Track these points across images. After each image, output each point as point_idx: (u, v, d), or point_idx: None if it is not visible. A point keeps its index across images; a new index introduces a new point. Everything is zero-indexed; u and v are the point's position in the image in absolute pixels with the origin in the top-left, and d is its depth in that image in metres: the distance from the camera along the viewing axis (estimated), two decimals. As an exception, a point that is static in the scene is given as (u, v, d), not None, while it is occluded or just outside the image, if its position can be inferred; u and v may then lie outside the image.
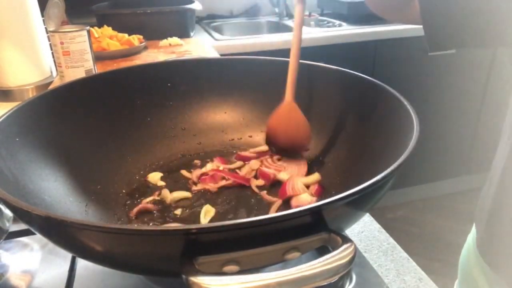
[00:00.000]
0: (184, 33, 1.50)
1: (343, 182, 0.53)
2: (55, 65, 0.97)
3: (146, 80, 0.63)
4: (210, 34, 1.71)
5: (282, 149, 0.60)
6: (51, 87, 0.90)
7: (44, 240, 0.38)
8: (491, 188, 0.52)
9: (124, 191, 0.55)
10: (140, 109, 0.62)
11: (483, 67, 1.93)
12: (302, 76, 0.62)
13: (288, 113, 0.57)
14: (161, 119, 0.63)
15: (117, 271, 0.39)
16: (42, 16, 1.02)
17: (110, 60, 1.22)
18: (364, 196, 0.32)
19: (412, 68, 1.82)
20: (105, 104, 0.59)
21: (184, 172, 0.59)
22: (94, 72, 0.96)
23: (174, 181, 0.57)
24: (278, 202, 0.52)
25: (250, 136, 0.65)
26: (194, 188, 0.56)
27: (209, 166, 0.59)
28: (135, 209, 0.51)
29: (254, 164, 0.59)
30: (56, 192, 0.46)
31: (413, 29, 1.67)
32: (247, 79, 0.64)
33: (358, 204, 0.34)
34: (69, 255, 0.49)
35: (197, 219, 0.50)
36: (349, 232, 0.55)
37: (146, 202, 0.52)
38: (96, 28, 1.32)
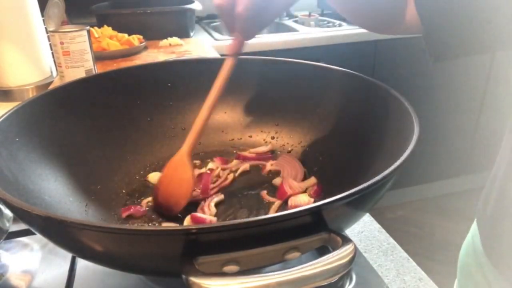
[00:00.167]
0: (184, 33, 1.50)
1: (342, 182, 0.53)
2: (55, 65, 0.97)
3: (146, 80, 0.63)
4: (210, 34, 1.71)
5: (159, 203, 0.51)
6: (51, 87, 0.90)
7: (44, 240, 0.38)
8: (495, 184, 0.52)
9: (124, 191, 0.55)
10: (140, 109, 0.62)
11: (483, 67, 1.93)
12: (302, 76, 0.62)
13: (175, 168, 0.51)
14: (161, 119, 0.63)
15: (117, 271, 0.39)
16: (42, 16, 1.02)
17: (110, 60, 1.22)
18: (364, 196, 0.32)
19: (412, 68, 1.82)
20: (105, 104, 0.59)
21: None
22: (94, 72, 0.96)
23: (174, 181, 0.57)
24: (278, 202, 0.52)
25: (250, 136, 0.65)
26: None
27: (209, 166, 0.59)
28: (125, 214, 0.50)
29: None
30: (56, 192, 0.46)
31: (413, 29, 1.67)
32: (247, 79, 0.64)
33: (358, 204, 0.34)
34: (69, 255, 0.49)
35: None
36: (349, 232, 0.55)
37: (146, 202, 0.53)
38: (96, 28, 1.32)
